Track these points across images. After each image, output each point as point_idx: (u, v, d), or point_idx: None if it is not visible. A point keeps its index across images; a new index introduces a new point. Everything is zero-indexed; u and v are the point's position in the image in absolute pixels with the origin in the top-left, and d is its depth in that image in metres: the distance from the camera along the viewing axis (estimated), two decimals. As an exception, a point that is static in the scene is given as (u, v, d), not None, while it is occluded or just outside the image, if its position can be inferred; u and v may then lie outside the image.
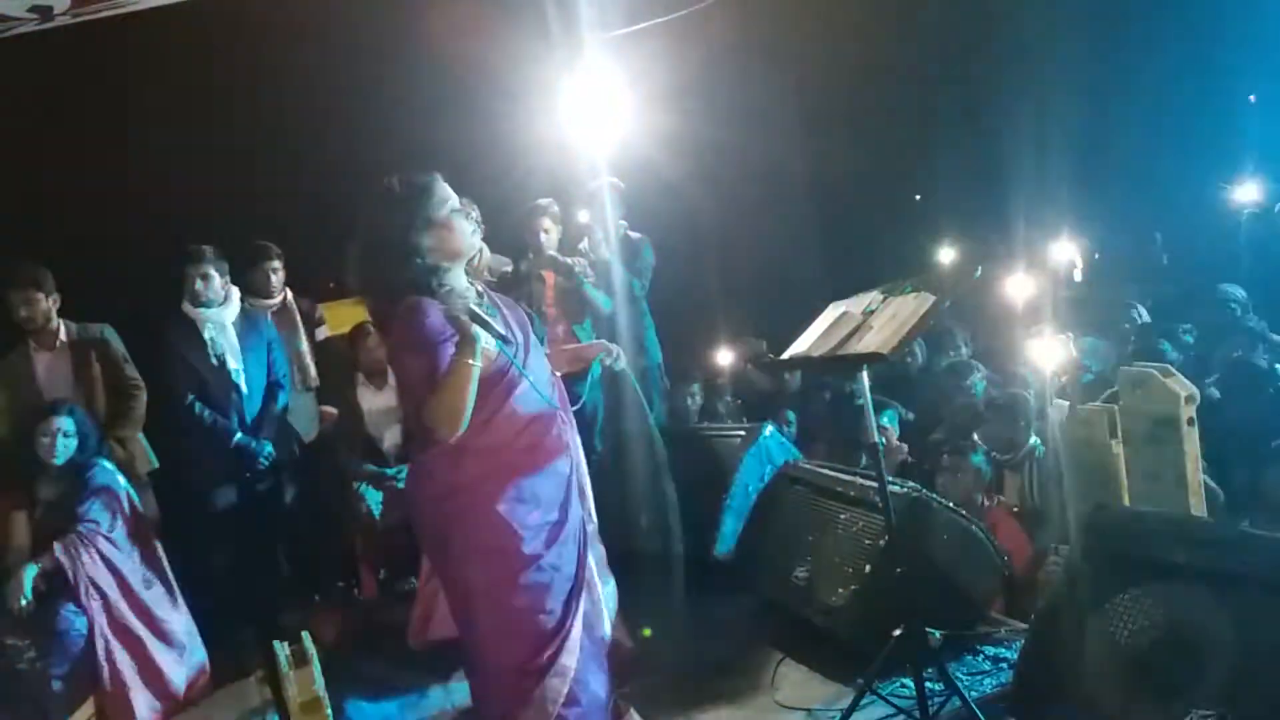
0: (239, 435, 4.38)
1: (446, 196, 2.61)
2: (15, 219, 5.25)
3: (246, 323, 4.49)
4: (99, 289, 4.81)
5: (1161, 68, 7.32)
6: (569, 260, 4.89)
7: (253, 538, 4.54)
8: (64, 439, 3.94)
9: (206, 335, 4.36)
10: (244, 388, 4.42)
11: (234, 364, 4.40)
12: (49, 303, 4.32)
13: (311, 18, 5.42)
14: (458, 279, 2.64)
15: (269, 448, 4.43)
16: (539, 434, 2.65)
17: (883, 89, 7.51)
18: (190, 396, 4.34)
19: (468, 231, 2.64)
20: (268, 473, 4.49)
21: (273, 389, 4.53)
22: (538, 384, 2.65)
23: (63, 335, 4.38)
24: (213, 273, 4.35)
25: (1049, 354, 3.82)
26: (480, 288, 2.75)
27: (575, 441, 2.86)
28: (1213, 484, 3.61)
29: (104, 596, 3.77)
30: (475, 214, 5.00)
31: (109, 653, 3.75)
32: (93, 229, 5.35)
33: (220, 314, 4.39)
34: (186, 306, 4.38)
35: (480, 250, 5.05)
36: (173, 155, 5.63)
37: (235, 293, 4.50)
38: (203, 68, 5.66)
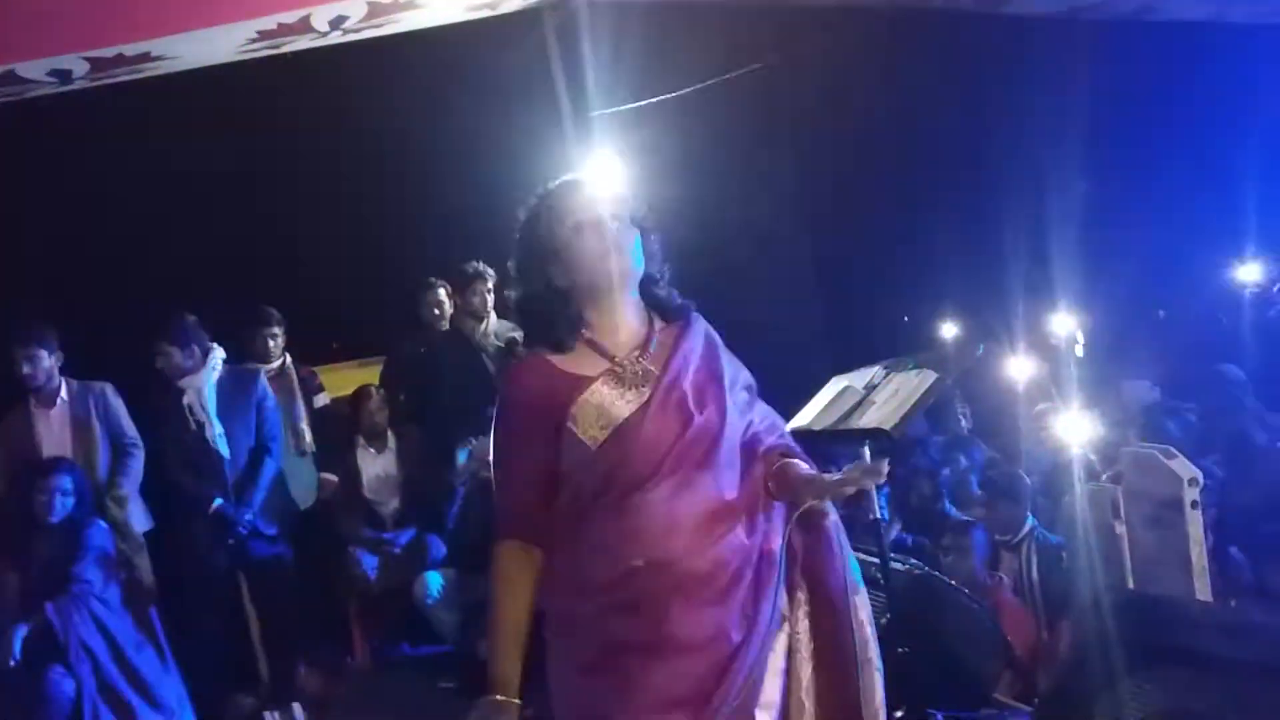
0: (217, 501, 4.32)
1: None
2: (21, 276, 5.30)
3: (233, 384, 4.45)
4: (101, 348, 4.83)
5: (1163, 145, 7.44)
6: None
7: (241, 604, 4.50)
8: (61, 497, 3.93)
9: (185, 401, 4.35)
10: (225, 453, 4.37)
11: (214, 429, 4.36)
12: (51, 360, 4.32)
13: (324, 87, 5.53)
14: None
15: (248, 514, 4.35)
16: None
17: (884, 164, 7.62)
18: (173, 463, 4.33)
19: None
20: (256, 539, 4.42)
21: (258, 453, 4.46)
22: None
23: (63, 393, 4.38)
24: (169, 349, 4.31)
25: (1074, 429, 3.77)
26: None
27: None
28: (1240, 556, 3.57)
29: (94, 659, 3.73)
30: (491, 281, 5.09)
31: (97, 716, 3.69)
32: (98, 288, 5.40)
33: (195, 379, 4.36)
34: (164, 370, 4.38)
35: (489, 317, 5.12)
36: (179, 218, 5.71)
37: (216, 356, 4.45)
38: (213, 134, 5.76)
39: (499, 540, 1.86)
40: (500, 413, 1.91)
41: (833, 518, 1.92)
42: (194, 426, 4.36)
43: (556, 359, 1.87)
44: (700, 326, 1.95)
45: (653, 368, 1.85)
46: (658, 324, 1.93)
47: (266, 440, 4.51)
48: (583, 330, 1.88)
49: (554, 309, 1.89)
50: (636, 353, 1.87)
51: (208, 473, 4.36)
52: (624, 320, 1.90)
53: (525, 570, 1.84)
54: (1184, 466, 3.04)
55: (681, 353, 1.87)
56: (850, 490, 1.82)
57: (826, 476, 1.86)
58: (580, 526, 1.81)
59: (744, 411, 1.91)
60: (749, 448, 1.90)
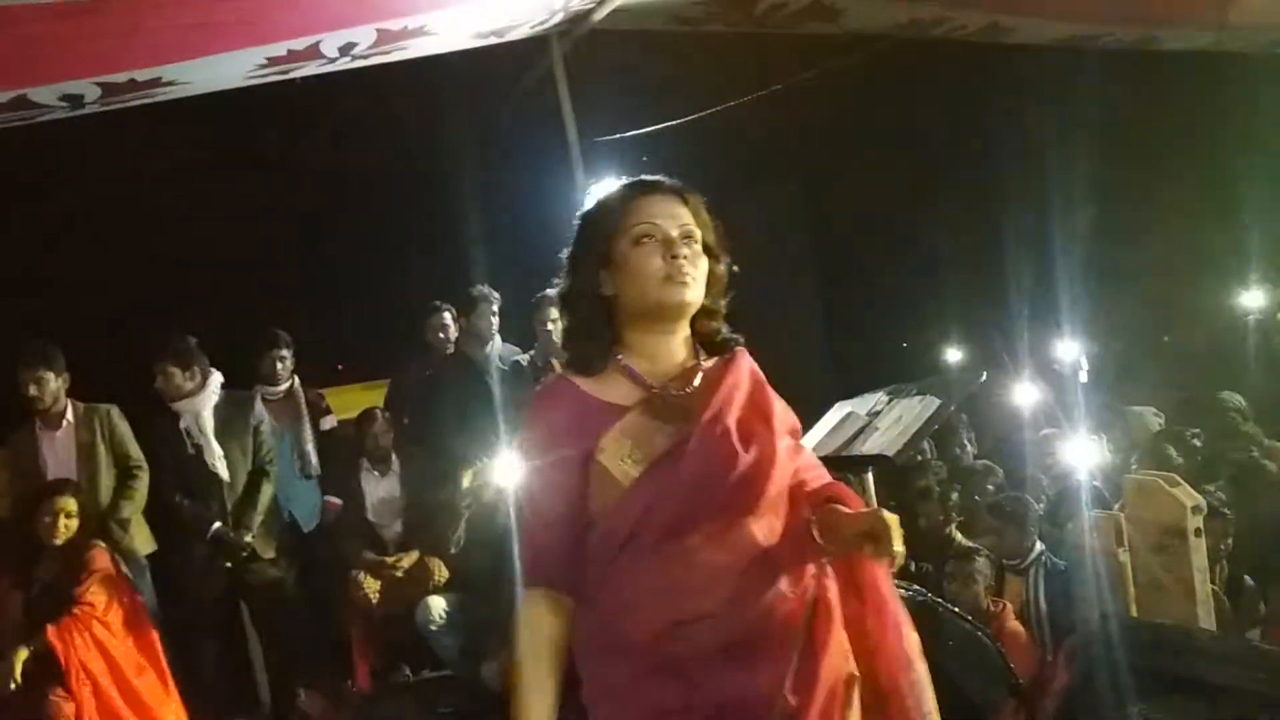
0: (216, 525, 4.35)
1: None
2: (29, 298, 5.33)
3: (231, 408, 4.48)
4: (107, 370, 4.85)
5: (1167, 172, 7.47)
6: None
7: (242, 628, 4.49)
8: (66, 519, 3.93)
9: (182, 425, 4.39)
10: (224, 475, 4.40)
11: (212, 452, 4.40)
12: (58, 382, 4.34)
13: (332, 113, 5.59)
14: None
15: (246, 538, 4.36)
16: None
17: (888, 191, 7.67)
18: (171, 486, 4.36)
19: None
20: (256, 562, 4.43)
21: (255, 476, 4.48)
22: None
23: (69, 415, 4.39)
24: (171, 369, 4.35)
25: (1084, 454, 3.76)
26: None
27: None
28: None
29: (94, 682, 3.70)
30: (496, 303, 5.11)
31: (96, 742, 3.67)
32: (106, 310, 5.43)
33: (193, 403, 4.39)
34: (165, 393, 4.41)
35: (494, 340, 5.14)
36: (186, 241, 5.75)
37: (215, 379, 4.48)
38: (223, 156, 5.82)
39: (525, 587, 1.65)
40: (524, 443, 1.71)
41: (884, 572, 1.69)
42: (192, 450, 4.38)
43: (585, 383, 1.67)
44: (747, 363, 1.74)
45: (694, 402, 1.64)
46: (701, 357, 1.72)
47: (263, 463, 4.53)
48: (617, 354, 1.68)
49: (592, 318, 1.69)
50: (676, 385, 1.67)
51: (205, 496, 4.39)
52: (666, 349, 1.70)
53: (554, 622, 1.63)
54: (1187, 494, 3.03)
55: (726, 387, 1.66)
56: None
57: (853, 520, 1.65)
58: (612, 577, 1.60)
59: (791, 455, 1.71)
60: (794, 492, 1.69)
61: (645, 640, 1.58)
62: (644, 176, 1.75)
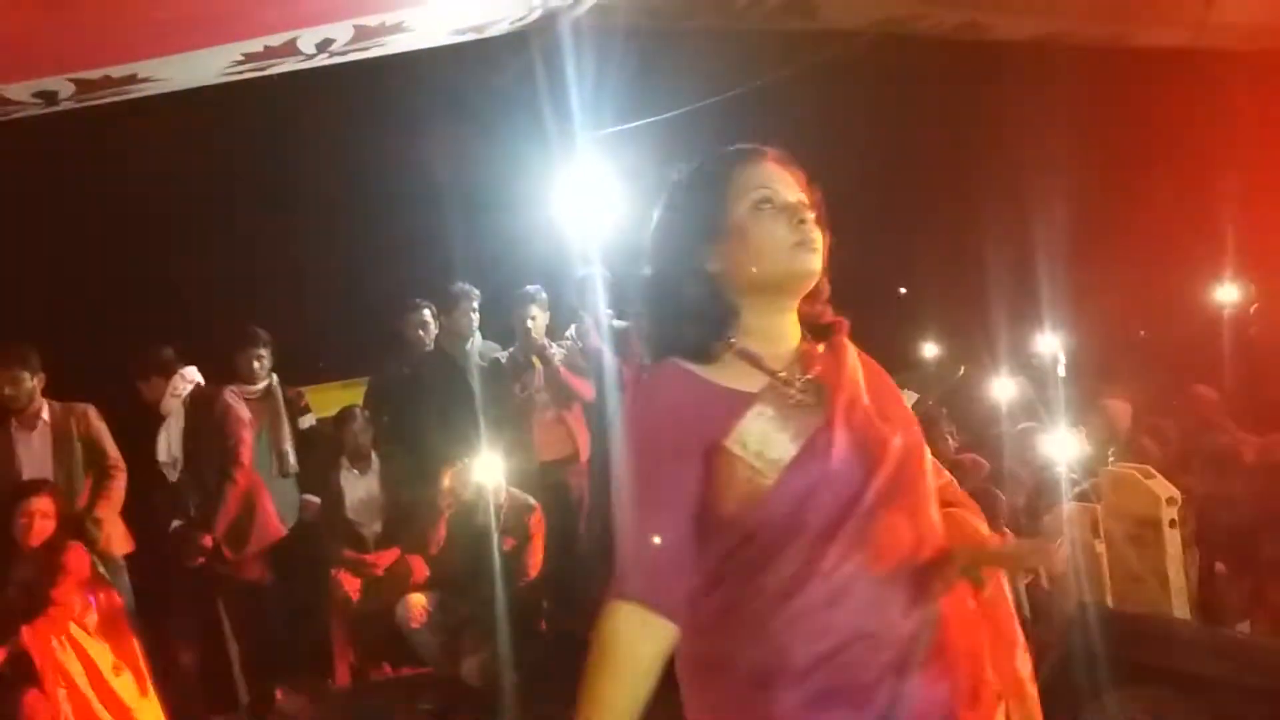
0: (175, 523, 4.36)
1: None
2: (2, 296, 5.28)
3: (198, 406, 4.47)
4: (86, 369, 4.82)
5: (1143, 168, 7.54)
6: (552, 346, 4.95)
7: (219, 627, 4.48)
8: (41, 520, 3.90)
9: (160, 427, 4.40)
10: (175, 475, 4.42)
11: (172, 454, 4.41)
12: (34, 382, 4.30)
13: (310, 110, 5.56)
14: None
15: (206, 539, 4.33)
16: None
17: (867, 187, 7.70)
18: (140, 485, 4.36)
19: None
20: (229, 562, 4.41)
21: (220, 477, 4.42)
22: None
23: (45, 415, 4.36)
24: (156, 380, 4.39)
25: (1057, 448, 3.79)
26: None
27: None
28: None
29: (71, 684, 3.67)
30: (475, 300, 5.11)
31: (73, 743, 3.64)
32: (82, 309, 5.38)
33: (166, 405, 4.42)
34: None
35: (474, 337, 5.13)
36: (164, 240, 5.71)
37: (186, 382, 4.48)
38: (200, 153, 5.78)
39: (614, 600, 1.40)
40: (633, 439, 1.47)
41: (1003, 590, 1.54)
42: (160, 452, 4.37)
43: (701, 370, 1.45)
44: (852, 346, 1.55)
45: (825, 385, 1.45)
46: (809, 339, 1.53)
47: (227, 463, 4.45)
48: (730, 336, 1.46)
49: (701, 300, 1.45)
50: (798, 368, 1.47)
51: (169, 496, 4.39)
52: (783, 329, 1.50)
53: (649, 646, 1.38)
54: (1162, 486, 3.06)
55: (850, 369, 1.49)
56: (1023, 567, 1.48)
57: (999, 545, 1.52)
58: (752, 592, 1.38)
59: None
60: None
61: (810, 663, 1.36)
62: (749, 145, 1.55)
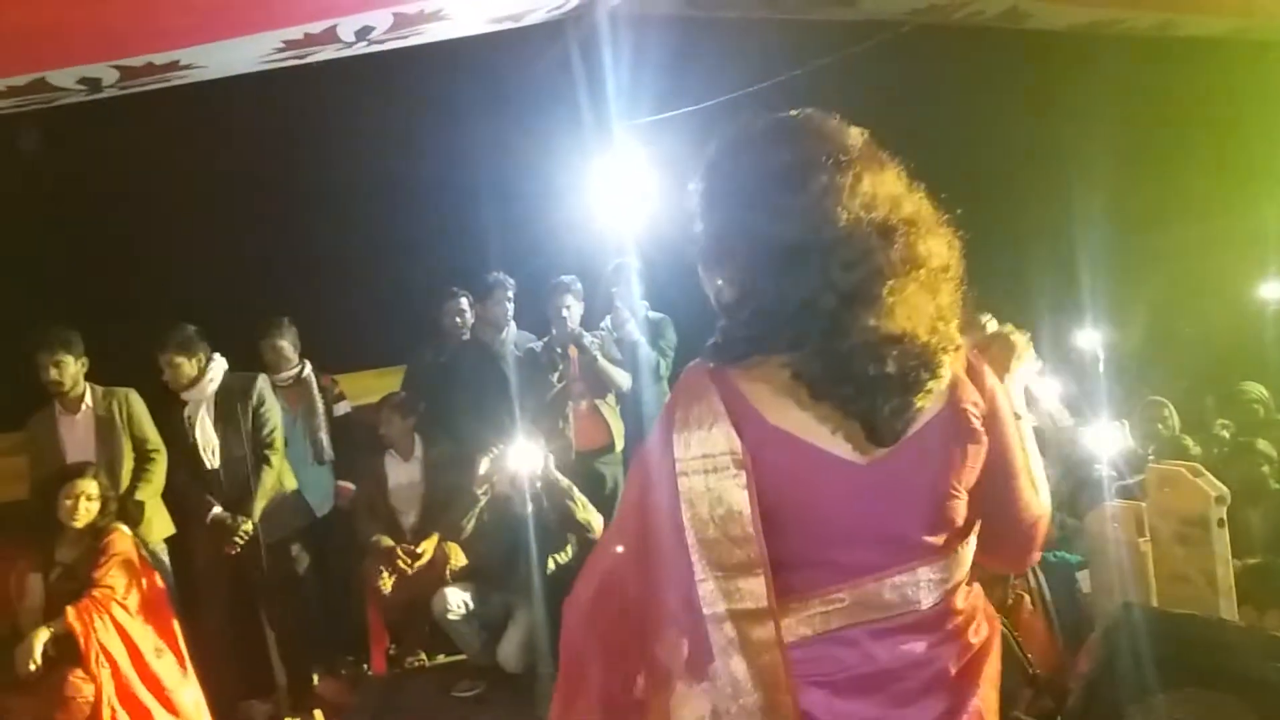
0: (215, 510, 4.39)
1: None
2: (48, 282, 5.34)
3: (230, 392, 4.50)
4: (126, 354, 4.86)
5: (1187, 159, 7.40)
6: (587, 336, 4.95)
7: (257, 611, 4.52)
8: (86, 502, 3.95)
9: (185, 412, 4.44)
10: (216, 462, 4.44)
11: (208, 440, 4.44)
12: (77, 366, 4.36)
13: (348, 97, 5.57)
14: None
15: (247, 524, 4.39)
16: None
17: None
18: (179, 473, 4.41)
19: None
20: (264, 546, 4.45)
21: (256, 462, 4.50)
22: None
23: (88, 399, 4.42)
24: (178, 360, 4.39)
25: (1104, 444, 3.72)
26: None
27: None
28: None
29: (114, 664, 3.72)
30: (511, 290, 5.12)
31: (115, 722, 3.69)
32: (123, 294, 5.43)
33: (194, 392, 4.44)
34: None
35: (509, 326, 5.14)
36: (202, 226, 5.74)
37: (216, 366, 4.50)
38: (240, 142, 5.81)
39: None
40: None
41: None
42: (191, 438, 4.41)
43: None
44: None
45: None
46: None
47: (262, 448, 4.52)
48: None
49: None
50: None
51: (204, 483, 4.43)
52: None
53: None
54: (1211, 484, 3.01)
55: None
56: None
57: None
58: None
59: None
60: None
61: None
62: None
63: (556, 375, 5.00)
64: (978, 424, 1.40)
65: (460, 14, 4.31)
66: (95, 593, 3.78)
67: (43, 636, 3.67)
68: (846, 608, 1.37)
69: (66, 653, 3.71)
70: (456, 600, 4.42)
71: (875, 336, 1.29)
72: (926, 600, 1.39)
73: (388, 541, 4.63)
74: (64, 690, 3.64)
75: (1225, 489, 3.01)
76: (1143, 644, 2.60)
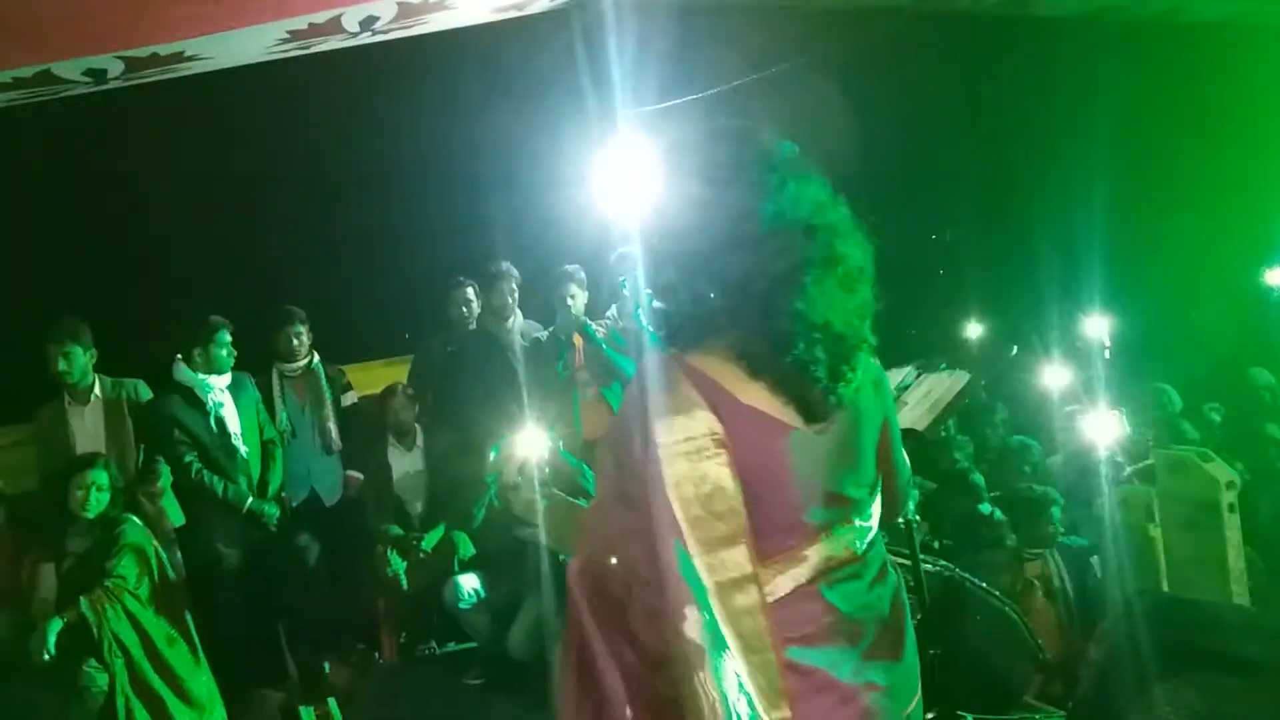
0: (250, 500, 4.45)
1: None
2: (56, 274, 5.35)
3: (241, 384, 4.58)
4: (135, 346, 4.88)
5: (1192, 146, 7.39)
6: (592, 324, 4.95)
7: (269, 599, 4.55)
8: (97, 493, 3.97)
9: (210, 401, 4.45)
10: (243, 450, 4.50)
11: (234, 427, 4.48)
12: (86, 357, 4.37)
13: (353, 88, 5.56)
14: None
15: (273, 509, 4.49)
16: None
17: (911, 165, 7.61)
18: (195, 464, 4.41)
19: None
20: (281, 535, 4.50)
21: (267, 449, 4.61)
22: None
23: (97, 390, 4.42)
24: (213, 349, 4.45)
25: (1102, 432, 3.73)
26: None
27: None
28: None
29: (126, 653, 3.75)
30: (515, 279, 5.12)
31: (129, 711, 3.71)
32: (131, 286, 5.44)
33: (219, 379, 4.49)
34: (181, 372, 4.46)
35: (514, 316, 5.14)
36: (208, 217, 5.74)
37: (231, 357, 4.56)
38: (246, 132, 5.81)
39: None
40: None
41: None
42: (214, 428, 4.44)
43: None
44: None
45: None
46: None
47: (270, 437, 4.64)
48: None
49: None
50: None
51: (233, 472, 4.46)
52: None
53: None
54: (1221, 469, 3.01)
55: None
56: None
57: None
58: None
59: None
60: None
61: None
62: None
63: (561, 364, 5.01)
64: (877, 394, 1.65)
65: (464, 3, 4.30)
66: (107, 583, 3.81)
67: (56, 626, 3.70)
68: (809, 563, 1.53)
69: (81, 642, 3.74)
70: (468, 589, 4.44)
71: (804, 323, 1.46)
72: (862, 547, 1.59)
73: (396, 530, 4.65)
74: (79, 679, 3.67)
75: (1235, 475, 3.02)
76: (1154, 630, 2.61)
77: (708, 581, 1.41)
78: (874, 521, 1.63)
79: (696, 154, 1.56)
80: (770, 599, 1.47)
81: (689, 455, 1.43)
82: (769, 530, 1.49)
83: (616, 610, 1.57)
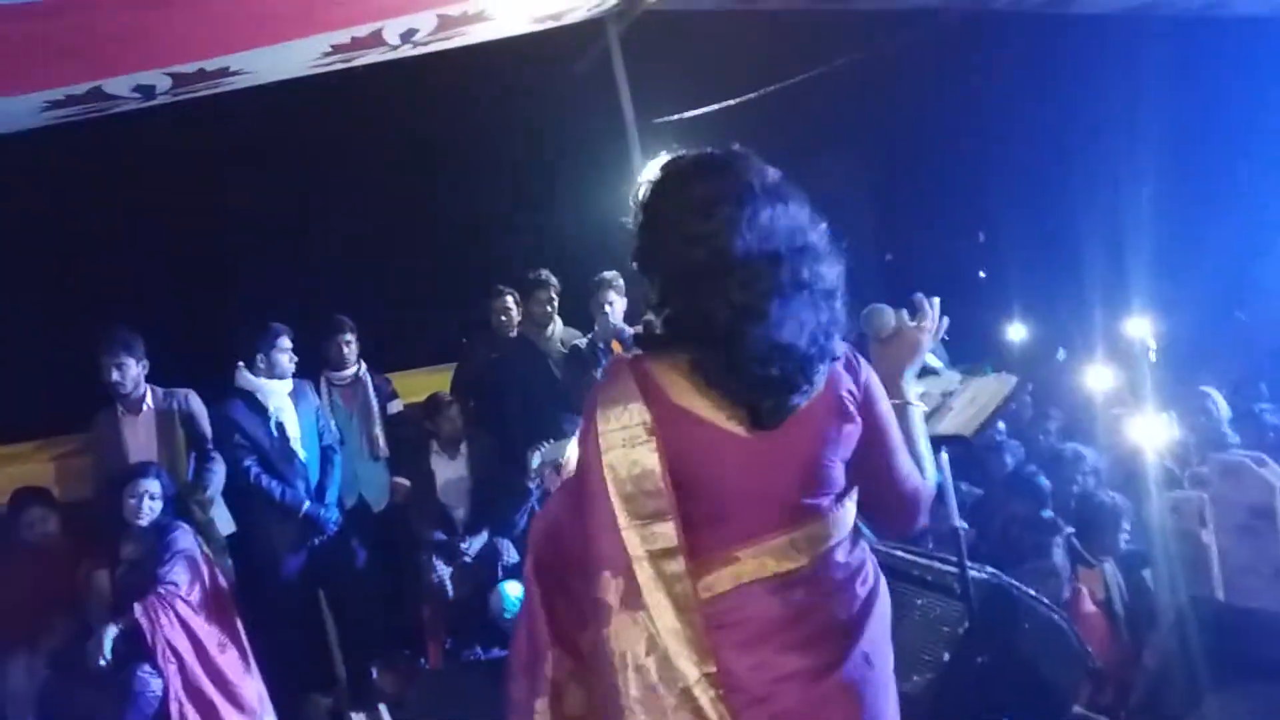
0: (308, 504, 4.50)
1: None
2: (109, 286, 5.46)
3: (295, 392, 4.65)
4: (187, 355, 4.97)
5: (1238, 143, 7.27)
6: (628, 330, 4.97)
7: (318, 606, 4.61)
8: (150, 501, 4.04)
9: (271, 406, 4.53)
10: (303, 455, 4.57)
11: (294, 432, 4.55)
12: (138, 368, 4.45)
13: (395, 100, 5.62)
14: None
15: (336, 514, 4.57)
16: None
17: (953, 168, 7.55)
18: (254, 468, 4.48)
19: None
20: (334, 541, 4.57)
21: (327, 454, 4.69)
22: None
23: (149, 400, 4.50)
24: (275, 355, 4.56)
25: (1149, 435, 3.66)
26: None
27: None
28: None
29: (180, 659, 3.81)
30: (554, 287, 5.15)
31: (183, 716, 3.76)
32: (182, 297, 5.54)
33: (281, 385, 4.57)
34: (244, 378, 4.54)
35: (554, 324, 5.17)
36: (253, 229, 5.83)
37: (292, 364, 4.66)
38: (294, 146, 5.89)
39: None
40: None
41: None
42: (275, 432, 4.50)
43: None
44: None
45: None
46: None
47: (331, 441, 4.72)
48: None
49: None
50: None
51: (292, 477, 4.54)
52: None
53: None
54: (1276, 473, 2.96)
55: None
56: None
57: None
58: None
59: None
60: None
61: None
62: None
63: (600, 370, 5.03)
64: (852, 408, 1.68)
65: (503, 14, 4.33)
66: (160, 589, 3.86)
67: (111, 632, 3.76)
68: (746, 565, 1.63)
69: (135, 648, 3.80)
70: (513, 597, 4.46)
71: (764, 345, 1.55)
72: (812, 556, 1.65)
73: (440, 536, 4.68)
74: (134, 685, 3.74)
75: (1290, 480, 2.97)
76: (1208, 639, 2.57)
77: (640, 550, 1.57)
78: (834, 532, 1.68)
79: (677, 183, 1.65)
80: (707, 594, 1.61)
81: (624, 442, 1.60)
82: (703, 523, 1.62)
83: (559, 570, 1.75)
